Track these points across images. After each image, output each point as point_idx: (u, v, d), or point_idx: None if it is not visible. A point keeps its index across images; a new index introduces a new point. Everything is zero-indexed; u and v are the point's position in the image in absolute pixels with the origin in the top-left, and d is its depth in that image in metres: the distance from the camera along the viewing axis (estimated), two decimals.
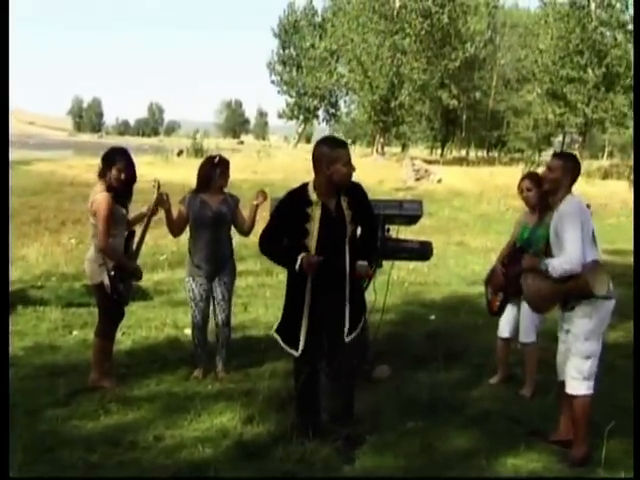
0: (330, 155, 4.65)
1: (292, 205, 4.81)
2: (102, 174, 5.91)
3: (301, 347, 4.85)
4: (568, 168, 4.83)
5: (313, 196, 4.73)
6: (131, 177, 5.96)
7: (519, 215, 6.66)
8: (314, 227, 4.71)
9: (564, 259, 4.62)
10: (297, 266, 4.67)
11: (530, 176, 6.33)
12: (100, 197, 5.82)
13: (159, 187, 6.20)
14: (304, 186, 4.82)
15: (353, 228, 4.76)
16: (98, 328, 6.15)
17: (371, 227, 5.00)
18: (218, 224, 6.26)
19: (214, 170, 6.32)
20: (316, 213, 4.71)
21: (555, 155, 5.07)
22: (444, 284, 11.25)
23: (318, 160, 4.70)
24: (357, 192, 4.87)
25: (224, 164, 6.39)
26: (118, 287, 5.93)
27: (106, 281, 5.89)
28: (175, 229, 6.45)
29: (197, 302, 6.36)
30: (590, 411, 4.84)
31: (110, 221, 5.81)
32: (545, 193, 5.79)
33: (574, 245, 4.58)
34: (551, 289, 4.76)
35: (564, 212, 4.71)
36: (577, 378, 4.78)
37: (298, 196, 4.80)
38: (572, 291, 4.69)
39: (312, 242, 4.71)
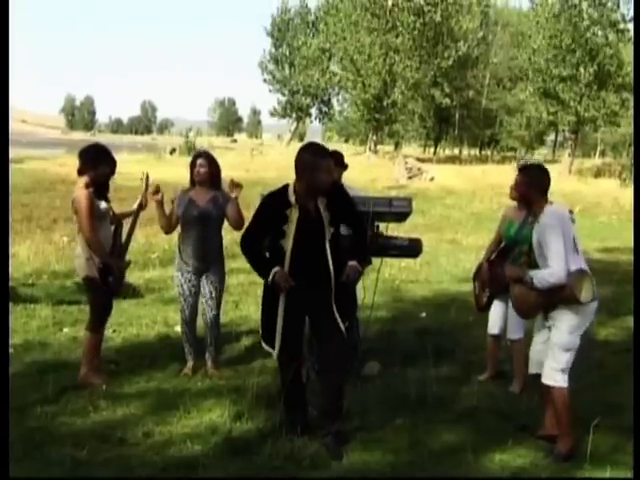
0: (312, 164, 4.69)
1: (272, 206, 4.87)
2: (83, 171, 5.96)
3: (277, 347, 4.90)
4: (528, 182, 4.98)
5: (292, 198, 4.77)
6: (113, 172, 6.08)
7: (504, 209, 6.66)
8: (291, 229, 4.75)
9: (549, 272, 4.69)
10: (270, 280, 4.75)
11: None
12: (79, 194, 5.86)
13: (147, 179, 6.25)
14: (285, 188, 4.85)
15: (333, 231, 4.79)
16: (89, 322, 6.16)
17: (357, 226, 5.01)
18: (204, 223, 6.25)
19: (192, 165, 6.36)
20: (294, 215, 4.75)
21: (520, 170, 5.17)
22: (435, 282, 11.26)
23: (300, 167, 4.75)
24: (337, 193, 4.90)
25: (197, 157, 6.40)
26: (108, 280, 5.94)
27: (95, 274, 5.91)
28: (166, 226, 6.46)
29: (185, 297, 6.36)
30: (568, 401, 4.87)
31: (93, 216, 5.83)
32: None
33: (558, 257, 4.66)
34: (537, 300, 4.88)
35: (545, 224, 4.78)
36: (555, 369, 4.84)
37: (278, 198, 4.84)
38: (559, 301, 4.79)
39: (288, 243, 4.76)
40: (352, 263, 4.80)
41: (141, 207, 6.28)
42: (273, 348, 4.94)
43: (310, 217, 4.76)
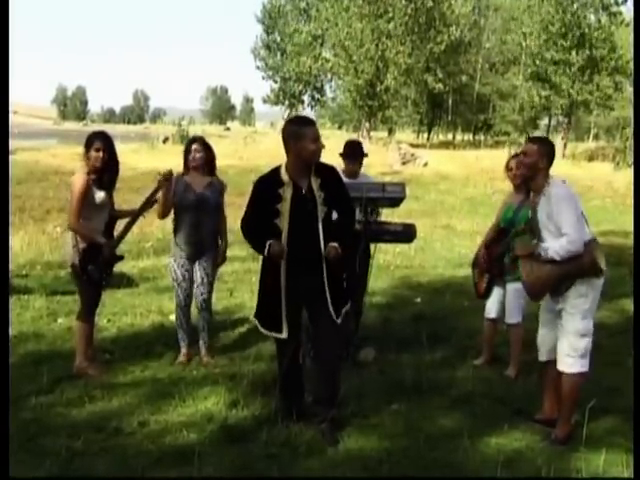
0: (297, 133, 4.67)
1: (264, 187, 4.81)
2: (85, 159, 5.92)
3: (286, 331, 4.84)
4: (543, 152, 4.81)
5: (285, 177, 4.73)
6: (111, 158, 5.93)
7: (505, 196, 6.65)
8: (285, 207, 4.70)
9: (567, 240, 4.61)
10: (265, 252, 4.70)
11: (518, 155, 6.39)
12: (76, 177, 5.85)
13: (171, 176, 6.06)
14: (276, 169, 4.83)
15: (326, 210, 4.74)
16: (79, 311, 6.15)
17: (346, 211, 4.93)
18: (201, 208, 6.22)
19: (186, 151, 6.33)
20: (287, 193, 4.71)
21: (530, 139, 5.08)
22: (430, 267, 11.27)
23: (286, 139, 4.72)
24: (330, 174, 4.87)
25: (192, 142, 6.37)
26: (87, 268, 5.86)
27: (76, 261, 5.87)
28: (165, 212, 6.39)
29: (179, 282, 6.35)
30: (579, 389, 4.86)
31: (83, 201, 5.79)
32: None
33: (575, 226, 4.60)
34: (552, 273, 4.75)
35: (558, 195, 4.68)
36: (572, 356, 4.79)
37: (270, 178, 4.81)
38: (577, 271, 4.69)
39: (284, 222, 4.71)
40: (332, 244, 4.74)
41: (150, 204, 6.15)
42: (279, 333, 4.86)
43: (303, 195, 4.71)
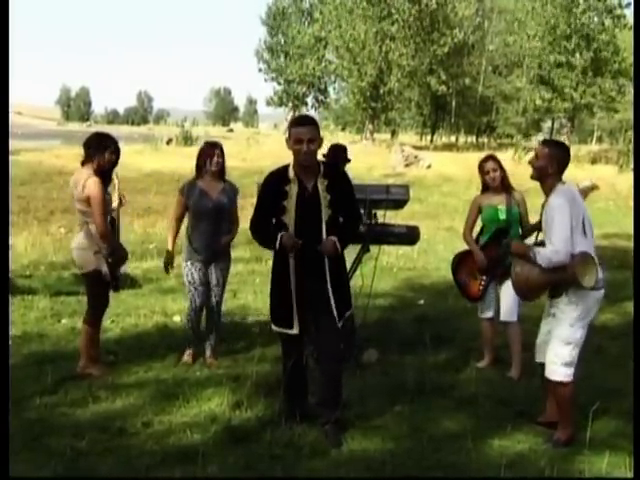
0: (288, 132, 4.80)
1: (272, 183, 4.86)
2: (88, 159, 5.89)
3: (296, 326, 4.84)
4: (554, 156, 4.73)
5: (291, 174, 4.77)
6: (117, 161, 6.00)
7: (475, 198, 6.62)
8: (291, 204, 4.73)
9: (551, 250, 4.60)
10: (277, 244, 4.73)
11: (492, 157, 6.43)
12: (92, 182, 5.75)
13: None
14: (286, 165, 4.86)
15: (331, 213, 4.75)
16: (88, 315, 6.13)
17: (352, 216, 4.96)
18: (218, 215, 6.24)
19: (202, 156, 6.32)
20: (293, 191, 4.74)
21: (543, 142, 4.99)
22: (433, 269, 11.26)
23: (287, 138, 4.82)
24: (339, 177, 4.90)
25: (210, 148, 6.35)
26: (116, 274, 5.97)
27: (104, 269, 5.87)
28: (175, 218, 6.45)
29: (197, 286, 6.34)
30: (572, 395, 4.85)
31: (106, 206, 5.81)
32: (506, 175, 6.23)
33: (561, 237, 4.57)
34: (539, 278, 4.75)
35: (553, 204, 4.65)
36: (555, 363, 4.77)
37: (278, 175, 4.85)
38: (560, 281, 4.69)
39: (290, 219, 4.74)
40: (331, 237, 4.73)
41: (121, 203, 6.20)
42: (287, 328, 4.87)
43: (308, 195, 4.74)
